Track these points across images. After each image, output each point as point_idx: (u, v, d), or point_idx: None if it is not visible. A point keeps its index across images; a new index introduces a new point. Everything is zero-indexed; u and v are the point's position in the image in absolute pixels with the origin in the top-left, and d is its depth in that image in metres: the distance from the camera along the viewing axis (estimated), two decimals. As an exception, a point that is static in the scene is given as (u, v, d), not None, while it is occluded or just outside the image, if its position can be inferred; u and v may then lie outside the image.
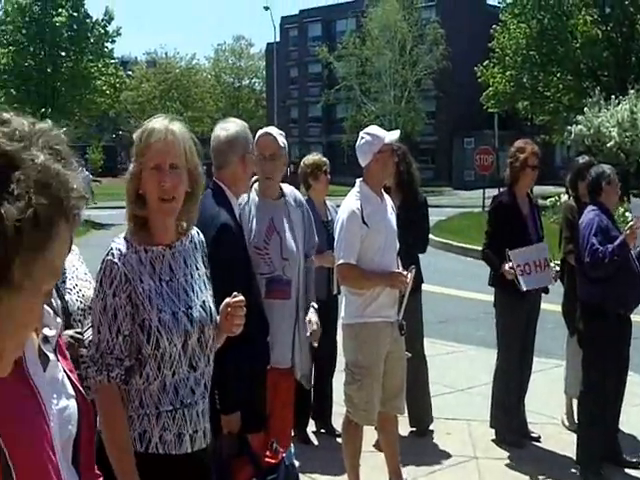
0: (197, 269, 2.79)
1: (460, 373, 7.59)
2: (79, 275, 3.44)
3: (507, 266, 5.58)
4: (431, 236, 22.33)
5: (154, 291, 2.63)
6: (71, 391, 1.97)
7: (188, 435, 2.67)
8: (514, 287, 5.60)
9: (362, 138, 4.74)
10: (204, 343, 2.72)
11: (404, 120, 46.95)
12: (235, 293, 2.78)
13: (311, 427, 6.05)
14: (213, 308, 2.78)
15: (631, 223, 5.09)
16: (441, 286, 12.57)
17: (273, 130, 4.46)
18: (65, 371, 1.99)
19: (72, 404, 1.95)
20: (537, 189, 25.41)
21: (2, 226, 1.09)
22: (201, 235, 2.90)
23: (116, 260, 2.61)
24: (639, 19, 33.70)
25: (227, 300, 2.78)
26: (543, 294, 5.92)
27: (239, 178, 3.76)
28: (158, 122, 2.69)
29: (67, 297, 3.29)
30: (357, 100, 50.21)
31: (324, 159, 6.15)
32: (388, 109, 48.30)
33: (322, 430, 6.09)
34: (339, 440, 5.37)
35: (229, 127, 3.81)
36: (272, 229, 4.31)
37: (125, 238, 2.69)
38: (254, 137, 4.13)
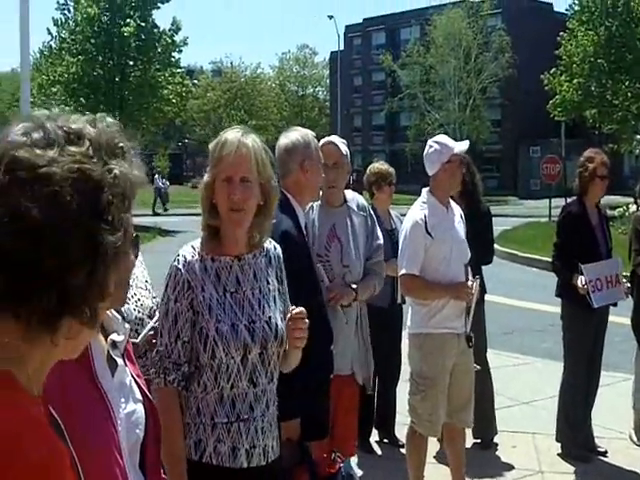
0: (268, 283, 2.76)
1: (525, 385, 7.46)
2: (139, 284, 3.47)
3: (580, 282, 5.47)
4: (496, 246, 22.03)
5: (215, 301, 2.64)
6: (139, 395, 2.00)
7: (244, 450, 2.65)
8: (583, 299, 5.49)
9: (430, 147, 4.69)
10: (267, 359, 2.68)
11: (468, 128, 46.61)
12: (293, 307, 2.74)
13: (374, 437, 6.02)
14: (280, 325, 2.72)
15: None
16: (506, 297, 12.39)
17: (335, 138, 4.48)
18: (133, 376, 2.02)
19: (139, 408, 1.97)
20: (605, 199, 24.82)
21: (102, 255, 1.13)
22: (278, 249, 2.87)
23: (180, 266, 2.65)
24: None
25: (288, 315, 2.74)
26: (611, 307, 5.78)
27: (303, 186, 3.77)
28: (231, 134, 2.69)
29: (125, 306, 3.33)
30: (421, 108, 50.06)
31: (390, 170, 6.10)
32: (452, 117, 48.02)
33: (385, 440, 6.06)
34: (402, 450, 5.34)
35: (289, 135, 3.85)
36: (333, 236, 4.32)
37: (192, 246, 2.72)
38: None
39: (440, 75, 48.56)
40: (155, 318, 3.69)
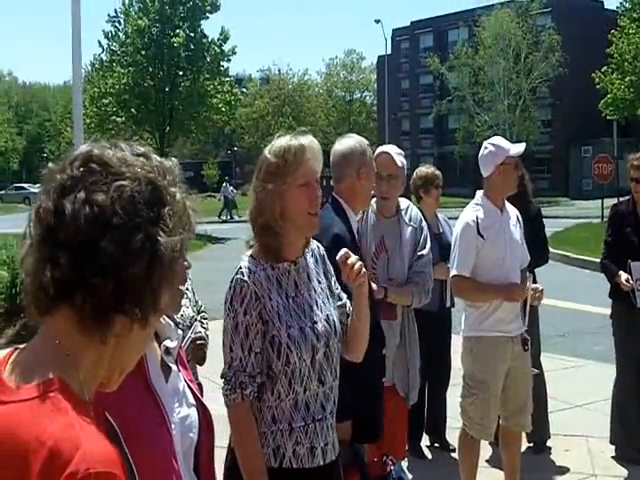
0: (319, 283, 2.82)
1: (578, 388, 7.38)
2: None
3: (624, 278, 5.42)
4: (549, 248, 21.60)
5: (282, 307, 2.67)
6: (192, 400, 2.05)
7: (320, 448, 2.71)
8: (629, 299, 5.45)
9: (485, 148, 4.67)
10: (330, 357, 2.74)
11: (518, 129, 46.15)
12: (342, 250, 2.70)
13: (425, 441, 6.01)
14: (337, 321, 2.80)
15: None
16: (559, 299, 12.22)
17: (392, 149, 4.47)
18: (186, 381, 2.08)
19: (193, 413, 2.03)
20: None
21: (160, 255, 1.19)
22: (321, 249, 2.92)
23: (246, 278, 2.65)
24: None
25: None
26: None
27: (357, 192, 3.79)
28: (300, 139, 2.72)
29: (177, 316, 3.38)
30: (469, 110, 49.71)
31: (437, 172, 6.09)
32: (502, 118, 47.58)
33: (436, 444, 6.04)
34: (453, 455, 5.32)
35: (346, 142, 3.87)
36: (382, 248, 4.32)
37: (252, 256, 2.73)
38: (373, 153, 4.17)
39: (489, 76, 48.15)
40: (192, 328, 3.76)
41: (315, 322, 2.71)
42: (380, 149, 4.46)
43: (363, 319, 2.84)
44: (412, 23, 64.29)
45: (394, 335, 4.33)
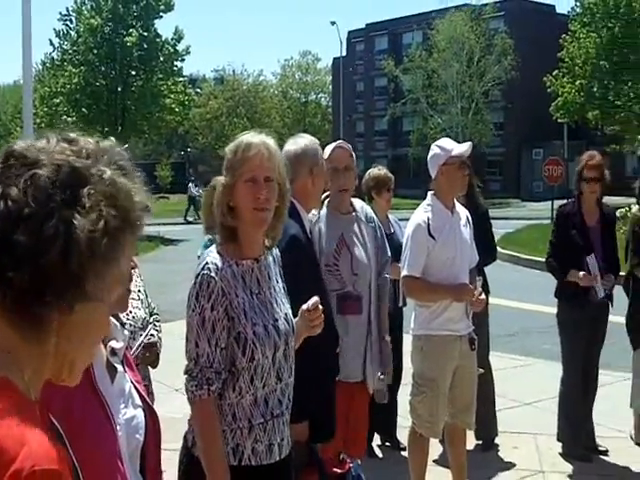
0: (277, 282, 2.88)
1: (527, 386, 7.51)
2: (132, 295, 3.51)
3: (581, 274, 5.54)
4: (499, 248, 21.85)
5: (247, 304, 2.70)
6: (138, 401, 2.05)
7: (277, 444, 2.75)
8: (576, 298, 5.58)
9: (432, 150, 4.77)
10: (288, 354, 2.80)
11: (471, 132, 46.62)
12: (313, 298, 2.89)
13: (376, 440, 6.06)
14: (293, 320, 2.87)
15: None
16: (508, 299, 12.41)
17: (344, 143, 4.51)
18: (132, 382, 2.07)
19: (139, 414, 2.02)
20: (607, 200, 24.95)
21: (75, 238, 1.15)
22: (276, 250, 2.97)
23: (213, 274, 2.67)
24: None
25: (304, 307, 2.89)
26: (611, 307, 5.83)
27: (309, 192, 3.80)
28: (255, 137, 2.78)
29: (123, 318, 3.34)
30: (423, 113, 50.13)
31: (389, 175, 6.13)
32: (455, 121, 48.08)
33: (387, 443, 6.10)
34: (404, 453, 5.37)
35: (298, 141, 3.88)
36: (343, 244, 4.33)
37: (219, 252, 2.76)
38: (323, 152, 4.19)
39: (443, 79, 48.60)
40: (146, 331, 3.74)
41: (276, 320, 2.76)
42: (334, 144, 4.48)
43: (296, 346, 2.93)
44: (367, 25, 64.52)
45: (361, 330, 4.35)
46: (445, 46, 48.08)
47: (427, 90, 49.57)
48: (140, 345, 3.66)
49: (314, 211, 4.23)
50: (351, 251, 4.32)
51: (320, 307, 2.91)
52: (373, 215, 4.62)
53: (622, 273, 5.92)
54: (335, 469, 3.79)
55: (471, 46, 47.70)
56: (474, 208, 5.77)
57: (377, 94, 62.60)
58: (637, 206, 6.28)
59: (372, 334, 4.38)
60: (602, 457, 5.85)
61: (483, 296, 4.73)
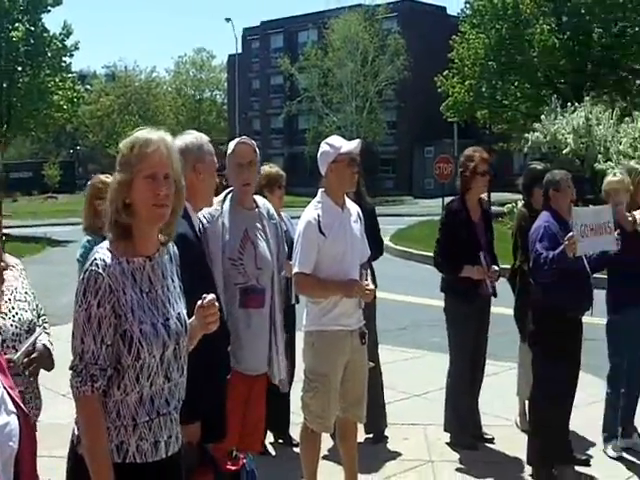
0: (172, 281, 2.86)
1: (417, 379, 7.69)
2: (17, 296, 3.39)
3: (475, 268, 5.74)
4: (391, 244, 22.40)
5: (136, 302, 2.67)
6: (12, 407, 1.98)
7: (163, 442, 2.73)
8: (464, 293, 5.79)
9: (321, 147, 4.82)
10: (179, 354, 2.78)
11: (365, 130, 47.29)
12: (205, 295, 2.89)
13: (269, 438, 6.06)
14: (187, 320, 2.85)
15: (570, 234, 5.11)
16: (402, 294, 12.70)
17: (247, 139, 4.50)
18: (5, 387, 2.01)
19: (13, 421, 1.96)
20: (495, 196, 25.83)
21: None
22: (175, 248, 2.95)
23: (100, 271, 2.63)
24: (594, 27, 34.27)
25: (199, 303, 2.88)
26: (493, 297, 6.03)
27: (196, 189, 3.74)
28: (152, 133, 2.75)
29: (0, 322, 3.24)
30: (319, 111, 50.51)
31: (281, 173, 6.15)
32: (349, 120, 48.65)
33: (280, 440, 6.12)
34: (296, 450, 5.40)
35: (182, 138, 3.85)
36: (247, 239, 4.33)
37: (108, 249, 2.71)
38: (226, 148, 4.23)
39: (338, 78, 49.06)
40: (35, 335, 3.62)
41: (167, 319, 2.74)
42: (237, 139, 4.46)
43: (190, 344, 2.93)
44: (263, 23, 64.41)
45: (265, 323, 4.35)
46: (340, 45, 48.56)
47: (322, 89, 49.97)
48: (28, 348, 3.55)
49: (216, 206, 4.23)
50: (255, 246, 4.32)
51: (216, 304, 2.91)
52: (274, 212, 4.64)
53: (504, 266, 6.13)
54: (229, 466, 3.80)
55: (365, 46, 48.32)
56: (361, 206, 5.87)
57: (273, 92, 62.64)
58: (523, 202, 6.50)
59: (276, 326, 4.40)
60: (488, 445, 6.04)
61: (372, 286, 4.80)
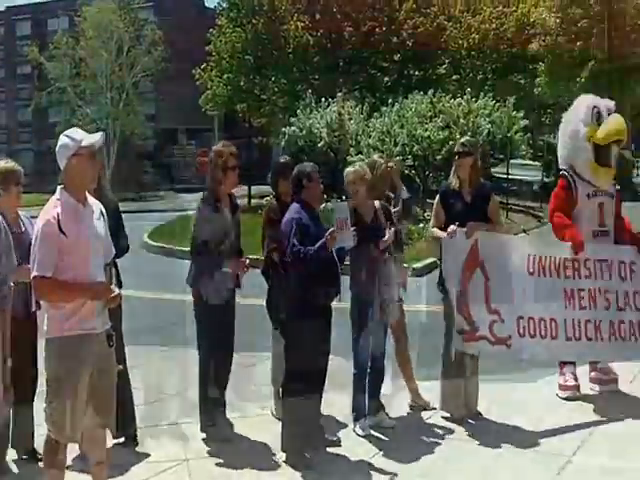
0: None
1: (171, 377, 7.54)
2: None
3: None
4: (150, 241, 22.06)
5: None
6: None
7: None
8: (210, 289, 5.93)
9: (60, 140, 4.56)
10: None
11: (122, 123, 46.22)
12: None
13: (11, 455, 5.62)
14: None
15: (332, 229, 5.42)
16: (161, 291, 12.51)
17: None
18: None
19: None
20: (255, 189, 26.21)
21: None
22: None
23: None
24: (346, 26, 35.79)
25: None
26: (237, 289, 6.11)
27: None
28: None
29: None
30: (71, 103, 48.50)
31: (17, 167, 5.72)
32: (105, 112, 47.23)
33: (24, 456, 5.70)
34: (42, 464, 5.08)
35: None
36: None
37: None
38: None
39: (91, 68, 47.43)
40: None
41: None
42: None
43: None
44: (8, 8, 61.17)
45: None
46: (93, 34, 46.92)
47: (75, 79, 48.05)
48: None
49: None
50: None
51: None
52: None
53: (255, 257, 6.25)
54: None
55: (120, 35, 47.07)
56: (104, 202, 5.65)
57: (20, 82, 59.43)
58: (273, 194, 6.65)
59: None
60: (245, 436, 6.09)
61: (118, 290, 4.64)
